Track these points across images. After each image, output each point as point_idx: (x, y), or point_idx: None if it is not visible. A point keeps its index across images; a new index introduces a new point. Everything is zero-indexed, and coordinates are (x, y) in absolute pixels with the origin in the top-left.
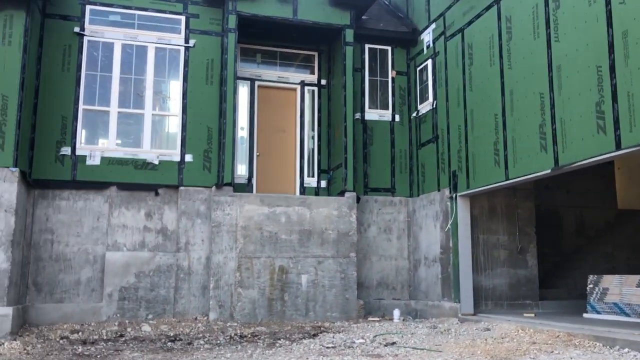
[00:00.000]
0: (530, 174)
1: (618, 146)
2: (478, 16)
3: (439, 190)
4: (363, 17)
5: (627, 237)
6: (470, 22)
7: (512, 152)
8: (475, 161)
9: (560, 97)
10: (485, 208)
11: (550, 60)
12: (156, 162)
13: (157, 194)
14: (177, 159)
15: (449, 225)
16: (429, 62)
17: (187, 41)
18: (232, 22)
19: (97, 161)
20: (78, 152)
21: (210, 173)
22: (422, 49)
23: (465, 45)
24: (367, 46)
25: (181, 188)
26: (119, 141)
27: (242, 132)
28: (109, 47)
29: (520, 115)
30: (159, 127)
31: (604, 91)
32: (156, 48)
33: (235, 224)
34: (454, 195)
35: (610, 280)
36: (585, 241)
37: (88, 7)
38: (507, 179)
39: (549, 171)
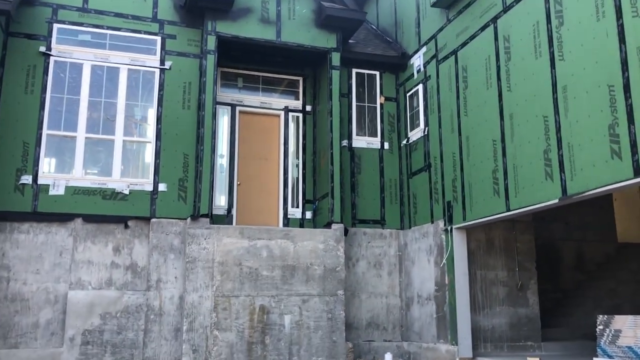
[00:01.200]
0: (534, 205)
1: (637, 173)
2: (473, 37)
3: (432, 222)
4: (350, 41)
5: (631, 272)
6: (464, 44)
7: (514, 181)
8: (472, 191)
9: (567, 120)
10: (482, 241)
11: (554, 80)
12: (126, 192)
13: (126, 226)
14: (150, 188)
15: (444, 261)
16: (420, 86)
17: (162, 63)
18: (212, 43)
19: (61, 191)
20: (40, 181)
21: (185, 204)
22: (412, 74)
23: (459, 68)
24: (354, 71)
25: (153, 220)
26: (86, 169)
27: (222, 160)
28: (77, 68)
29: (521, 141)
30: (130, 154)
31: (617, 112)
32: (129, 70)
33: (212, 259)
34: (449, 228)
35: (623, 322)
36: (586, 276)
37: (56, 26)
38: (509, 209)
39: (556, 201)
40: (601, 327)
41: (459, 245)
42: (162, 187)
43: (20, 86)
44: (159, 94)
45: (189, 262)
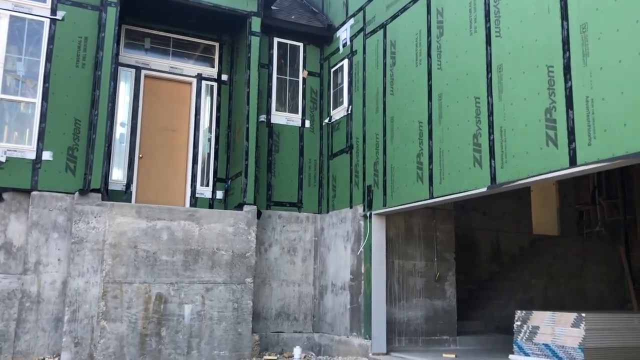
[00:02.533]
0: (460, 193)
1: (573, 162)
2: (404, 9)
3: (351, 207)
4: (273, 7)
5: (545, 264)
6: (394, 17)
7: (439, 166)
8: (394, 175)
9: (500, 102)
10: (402, 229)
11: (489, 59)
12: (2, 159)
13: (1, 199)
14: (32, 156)
15: (361, 248)
16: (345, 62)
17: (54, 12)
18: None
19: None
20: None
21: (74, 176)
22: (338, 48)
23: (388, 42)
24: (276, 40)
25: (34, 193)
26: None
27: (122, 129)
28: None
29: (450, 124)
30: (9, 115)
31: (556, 95)
32: (11, 17)
33: (102, 240)
34: (368, 214)
35: (541, 318)
36: (501, 268)
37: None
38: (432, 197)
39: (484, 189)
40: (519, 323)
41: (378, 233)
42: (46, 155)
43: None
44: (47, 48)
45: (74, 243)
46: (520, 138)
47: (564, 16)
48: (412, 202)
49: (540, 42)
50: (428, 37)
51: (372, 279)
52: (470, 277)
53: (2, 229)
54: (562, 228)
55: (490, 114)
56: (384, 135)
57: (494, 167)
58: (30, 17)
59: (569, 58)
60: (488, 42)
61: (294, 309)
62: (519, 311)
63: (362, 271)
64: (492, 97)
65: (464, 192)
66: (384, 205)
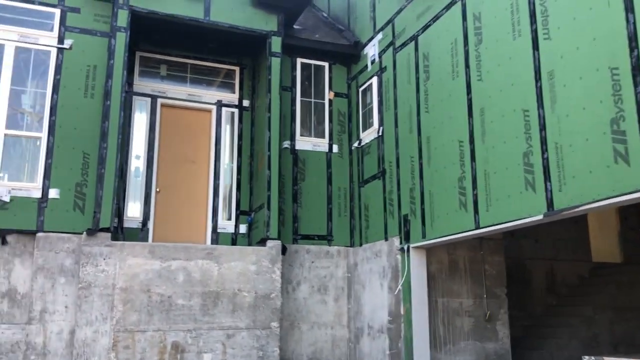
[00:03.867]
0: (510, 222)
1: None
2: (436, 18)
3: (386, 239)
4: (295, 27)
5: (609, 295)
6: (426, 27)
7: (485, 191)
8: (433, 203)
9: (553, 114)
10: (444, 263)
11: (537, 65)
12: (6, 199)
13: (4, 242)
14: (38, 194)
15: (399, 286)
16: (374, 79)
17: (61, 41)
18: (123, 19)
19: None
20: None
21: (83, 214)
22: (366, 65)
23: (420, 55)
24: (299, 61)
25: (40, 234)
26: None
27: (138, 162)
28: None
29: (495, 142)
30: (13, 151)
31: (623, 103)
32: (17, 48)
33: (112, 284)
34: (405, 247)
35: None
36: (558, 300)
37: None
38: (478, 227)
39: (540, 217)
40: None
41: (417, 268)
42: (53, 193)
43: None
44: (54, 79)
45: (82, 288)
46: (580, 155)
47: (629, 8)
48: (455, 234)
49: (600, 41)
50: (465, 46)
51: (412, 321)
52: (524, 312)
53: (6, 274)
54: (625, 254)
55: (542, 128)
56: (420, 157)
57: (551, 191)
58: (36, 47)
59: (638, 56)
60: (535, 45)
61: (327, 355)
62: (586, 357)
63: (402, 312)
64: (543, 109)
65: (516, 220)
66: (423, 237)
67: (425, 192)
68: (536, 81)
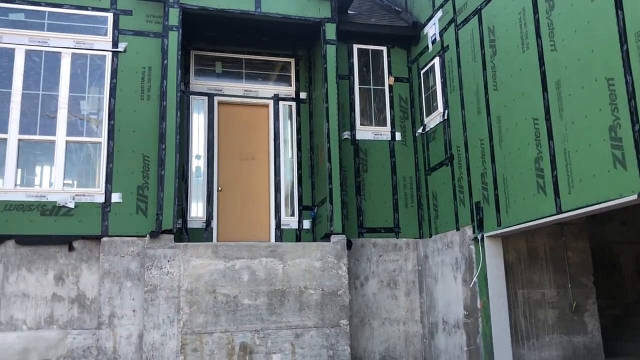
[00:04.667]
0: (597, 204)
1: None
2: None
3: (457, 229)
4: (350, 12)
5: None
6: None
7: (565, 172)
8: (507, 188)
9: None
10: (523, 252)
11: (621, 26)
12: (71, 205)
13: (71, 248)
14: (101, 199)
15: (474, 278)
16: (436, 60)
17: (115, 45)
18: (174, 17)
19: None
20: None
21: (146, 217)
22: (427, 46)
23: (485, 30)
24: (356, 47)
25: (105, 239)
26: (20, 179)
27: (199, 162)
28: (8, 55)
29: (575, 117)
30: (75, 158)
31: None
32: (73, 55)
33: (177, 286)
34: (479, 236)
35: None
36: None
37: None
38: (560, 211)
39: (633, 197)
40: None
41: (493, 259)
42: (115, 197)
43: None
44: (111, 83)
45: (148, 292)
46: None
47: None
48: (533, 220)
49: None
50: (535, 15)
51: (490, 315)
52: (613, 301)
53: (75, 280)
54: None
55: (632, 97)
56: (490, 139)
57: None
58: (91, 53)
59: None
60: (619, 5)
61: (401, 352)
62: None
63: (478, 306)
64: (631, 76)
65: (604, 202)
66: (498, 225)
67: (499, 177)
68: (621, 44)
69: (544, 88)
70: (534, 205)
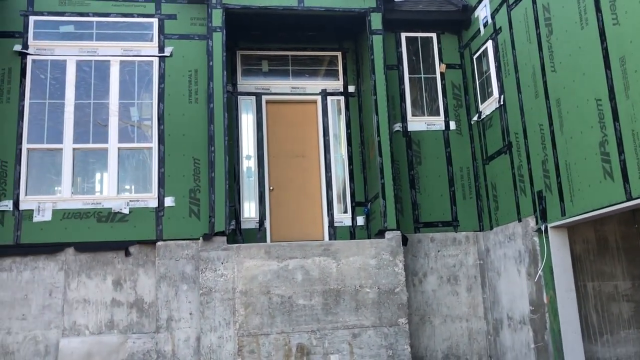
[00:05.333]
0: None
1: None
2: None
3: (519, 220)
4: (396, 0)
5: None
6: None
7: (635, 155)
8: (571, 175)
9: None
10: (591, 242)
11: None
12: (126, 211)
13: (128, 253)
14: (154, 204)
15: (539, 272)
16: (489, 44)
17: (162, 50)
18: (218, 18)
19: (47, 216)
20: (22, 206)
21: (199, 220)
22: (479, 29)
23: (539, 8)
24: (403, 35)
25: (159, 243)
26: (76, 187)
27: (249, 162)
28: (60, 67)
29: None
30: (128, 164)
31: None
32: (121, 62)
33: (232, 288)
34: (542, 227)
35: None
36: None
37: (32, 19)
38: (630, 198)
39: None
40: None
41: (559, 250)
42: (169, 201)
43: None
44: (159, 88)
45: (203, 294)
46: None
47: None
48: (600, 209)
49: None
50: None
51: (558, 310)
52: None
53: (132, 285)
54: None
55: None
56: (550, 124)
57: None
58: (139, 59)
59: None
60: None
61: (465, 350)
62: None
63: (545, 301)
64: None
65: None
66: (563, 214)
67: (561, 163)
68: None
69: (607, 66)
70: (600, 193)
